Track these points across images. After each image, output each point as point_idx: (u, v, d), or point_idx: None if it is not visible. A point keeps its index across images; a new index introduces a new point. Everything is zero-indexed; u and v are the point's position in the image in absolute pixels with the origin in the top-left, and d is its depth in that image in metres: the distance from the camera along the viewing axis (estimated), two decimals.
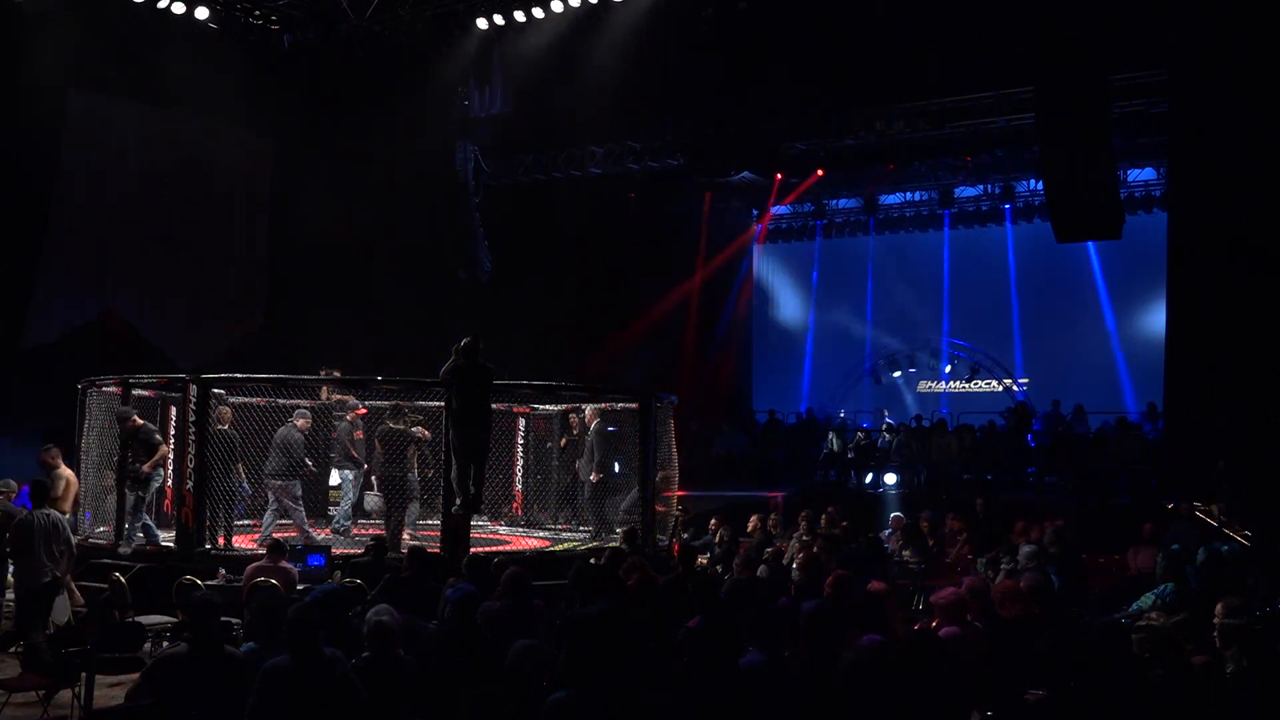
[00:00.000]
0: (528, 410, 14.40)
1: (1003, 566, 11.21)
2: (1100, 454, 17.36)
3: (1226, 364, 14.49)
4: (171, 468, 11.61)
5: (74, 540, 9.75)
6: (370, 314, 19.34)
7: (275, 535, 10.68)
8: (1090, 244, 20.31)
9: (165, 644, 8.65)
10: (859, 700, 5.17)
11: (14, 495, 10.58)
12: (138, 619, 8.94)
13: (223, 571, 10.15)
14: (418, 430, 12.25)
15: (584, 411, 13.50)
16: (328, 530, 12.56)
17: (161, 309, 18.58)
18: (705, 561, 12.29)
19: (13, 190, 16.21)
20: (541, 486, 14.57)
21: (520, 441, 14.49)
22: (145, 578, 10.02)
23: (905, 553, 13.17)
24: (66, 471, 11.11)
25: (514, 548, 12.36)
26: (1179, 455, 15.23)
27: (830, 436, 20.37)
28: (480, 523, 12.95)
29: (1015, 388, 22.33)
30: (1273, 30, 14.44)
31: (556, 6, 17.52)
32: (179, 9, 17.03)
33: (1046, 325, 21.86)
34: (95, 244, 17.79)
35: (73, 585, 10.09)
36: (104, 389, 11.91)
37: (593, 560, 9.56)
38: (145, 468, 10.93)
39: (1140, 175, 20.48)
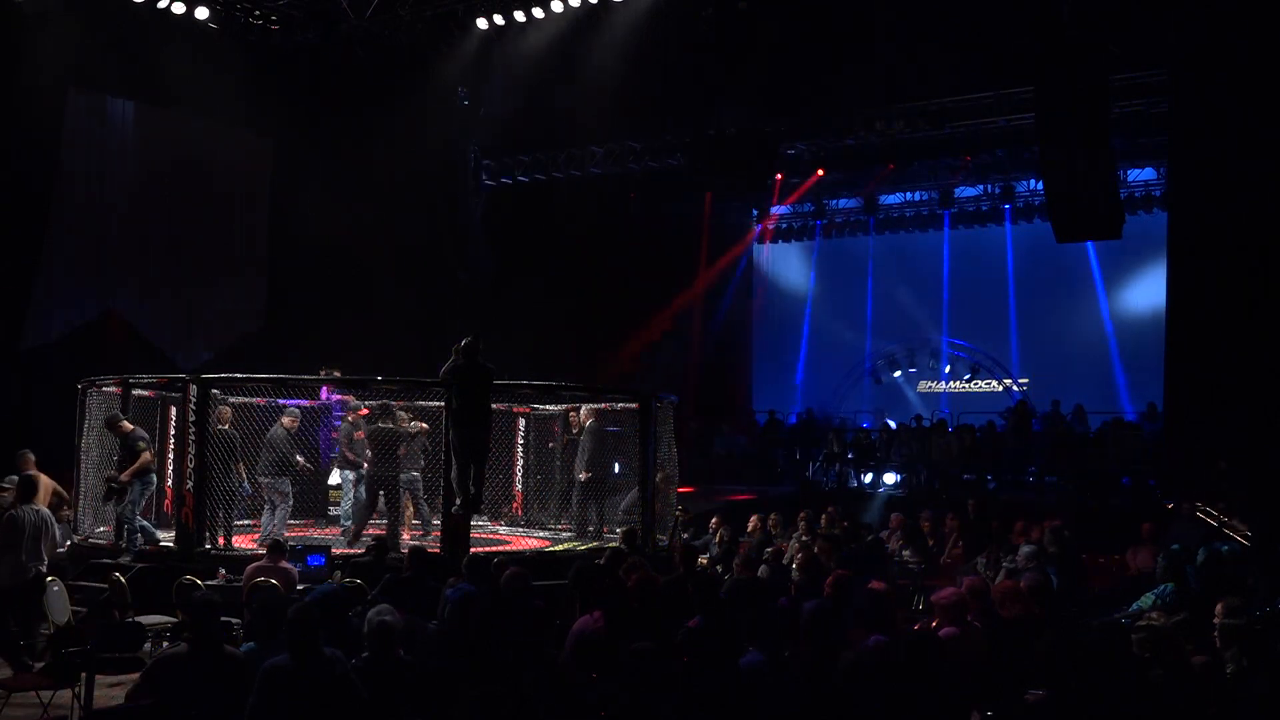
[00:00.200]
0: (528, 410, 14.40)
1: (1004, 565, 11.20)
2: (1100, 454, 17.36)
3: (1226, 364, 14.49)
4: (171, 468, 11.65)
5: (62, 539, 9.74)
6: (370, 314, 19.33)
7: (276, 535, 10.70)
8: (1090, 244, 20.31)
9: (165, 644, 8.65)
10: (859, 700, 5.17)
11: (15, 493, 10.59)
12: (138, 619, 8.94)
13: (223, 571, 10.15)
14: (415, 425, 12.27)
15: (581, 411, 13.50)
16: (337, 530, 12.58)
17: (161, 309, 18.59)
18: (705, 561, 12.29)
19: (13, 190, 16.20)
20: (542, 486, 14.56)
21: (520, 441, 14.49)
22: (145, 578, 10.02)
23: (905, 553, 13.18)
24: (40, 475, 11.10)
25: (514, 548, 12.35)
26: (1179, 455, 15.23)
27: (830, 437, 20.38)
28: (480, 523, 12.95)
29: (1015, 388, 22.33)
30: (1273, 30, 14.44)
31: (556, 6, 17.51)
32: (179, 9, 17.03)
33: (1046, 325, 21.86)
34: (95, 244, 17.79)
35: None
36: (104, 389, 11.91)
37: (598, 561, 9.55)
38: (123, 476, 10.90)
39: (1140, 175, 20.48)
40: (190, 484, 10.71)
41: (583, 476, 13.02)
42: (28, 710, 7.86)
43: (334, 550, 10.65)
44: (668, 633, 6.06)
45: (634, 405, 12.78)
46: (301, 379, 12.31)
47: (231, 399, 11.72)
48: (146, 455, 10.89)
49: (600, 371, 20.28)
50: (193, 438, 10.74)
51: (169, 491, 11.89)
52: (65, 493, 11.57)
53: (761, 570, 10.14)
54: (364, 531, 12.10)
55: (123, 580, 9.55)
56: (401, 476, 12.27)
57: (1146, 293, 19.73)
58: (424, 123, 19.75)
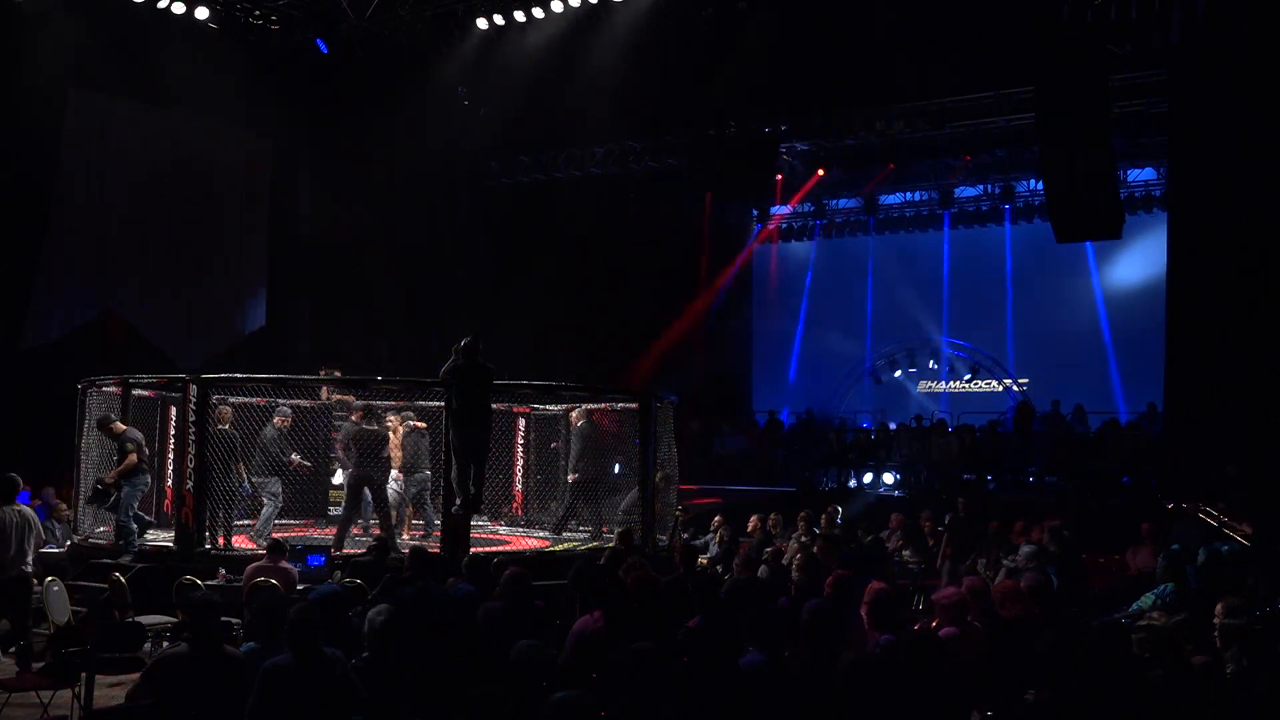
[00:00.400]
0: (528, 410, 14.41)
1: (1004, 565, 11.20)
2: (1100, 454, 17.36)
3: (1226, 364, 14.49)
4: (171, 468, 11.64)
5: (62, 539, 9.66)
6: (370, 314, 19.34)
7: (275, 535, 10.69)
8: (1089, 244, 20.31)
9: (165, 644, 8.65)
10: (859, 700, 5.17)
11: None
12: (138, 619, 8.94)
13: (223, 571, 10.15)
14: (411, 421, 12.29)
15: (573, 412, 13.51)
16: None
17: (161, 309, 18.58)
18: (705, 561, 12.29)
19: (13, 190, 16.20)
20: (542, 486, 14.56)
21: (520, 441, 14.49)
22: (145, 578, 10.02)
23: (905, 553, 13.18)
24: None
25: (514, 548, 12.35)
26: (1179, 455, 15.23)
27: (830, 436, 20.38)
28: (480, 523, 12.95)
29: (1015, 387, 22.33)
30: (1273, 30, 14.44)
31: (556, 6, 17.51)
32: (179, 9, 17.03)
33: (1046, 325, 21.84)
34: (95, 244, 17.80)
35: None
36: (104, 389, 11.91)
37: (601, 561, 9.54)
38: (108, 478, 10.88)
39: (1140, 175, 20.47)
40: (190, 484, 10.71)
41: (571, 478, 13.04)
42: (28, 710, 7.87)
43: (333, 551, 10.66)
44: (668, 633, 6.06)
45: (634, 405, 12.79)
46: (301, 379, 12.32)
47: (231, 399, 11.72)
48: (133, 457, 10.79)
49: (600, 371, 20.25)
50: (193, 438, 10.74)
51: (169, 491, 11.89)
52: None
53: (761, 570, 10.14)
54: (354, 532, 12.13)
55: (123, 580, 9.56)
56: (415, 476, 12.31)
57: (1146, 293, 19.73)
58: (424, 123, 19.77)
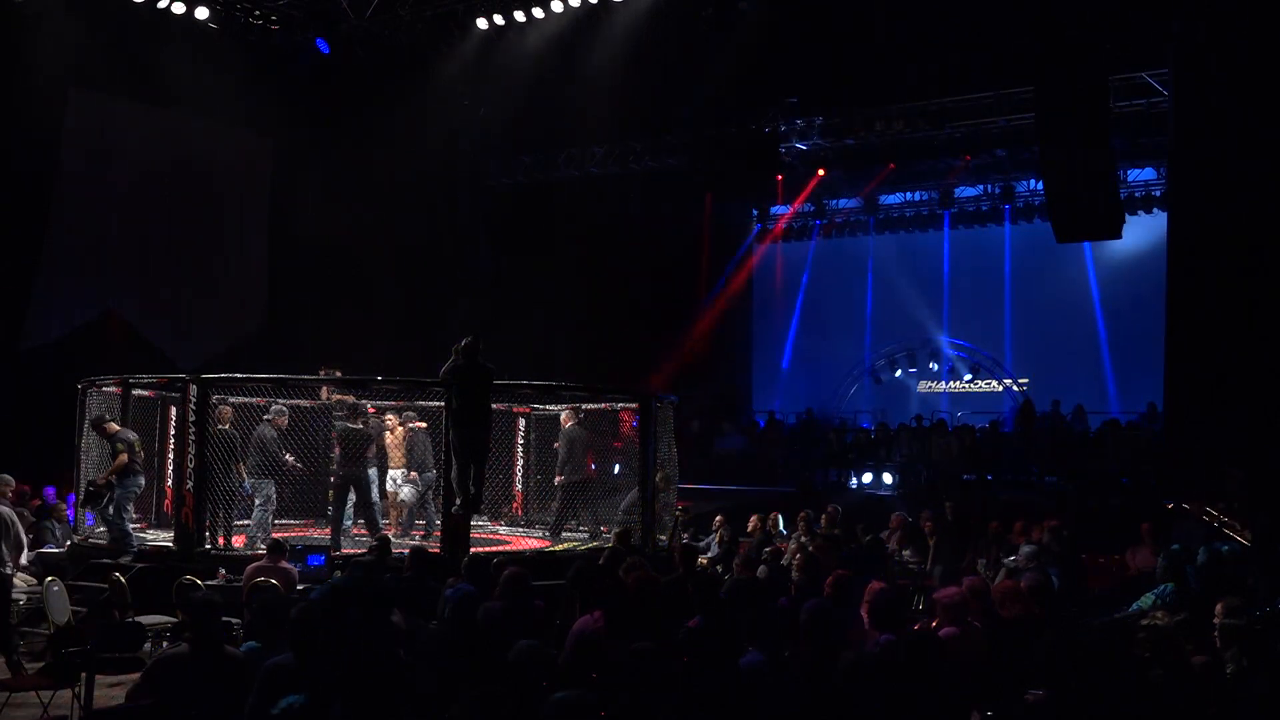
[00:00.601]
0: (528, 410, 14.41)
1: (1004, 565, 11.20)
2: (1100, 454, 17.36)
3: (1226, 364, 14.49)
4: (171, 468, 11.63)
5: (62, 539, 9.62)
6: (370, 314, 19.34)
7: (275, 535, 10.69)
8: (1088, 244, 20.31)
9: (165, 644, 8.65)
10: (859, 700, 5.17)
11: (10, 490, 10.61)
12: (138, 619, 8.94)
13: (223, 571, 10.15)
14: (411, 419, 12.27)
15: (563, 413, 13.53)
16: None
17: (161, 309, 18.58)
18: (705, 561, 12.29)
19: (13, 190, 16.22)
20: (542, 486, 14.56)
21: (520, 441, 14.49)
22: (145, 578, 10.02)
23: (905, 553, 13.17)
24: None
25: (514, 548, 12.36)
26: (1179, 455, 15.22)
27: (830, 437, 20.37)
28: (480, 523, 12.95)
29: (1015, 387, 22.34)
30: (1273, 30, 14.44)
31: (556, 6, 17.52)
32: (179, 9, 17.04)
33: (1046, 325, 21.85)
34: (95, 244, 17.79)
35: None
36: (104, 389, 11.92)
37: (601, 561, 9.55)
38: (99, 479, 10.87)
39: (1140, 175, 20.47)
40: (190, 484, 10.70)
41: (557, 480, 13.09)
42: (28, 710, 7.87)
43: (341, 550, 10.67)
44: (668, 633, 6.05)
45: (634, 405, 12.78)
46: (301, 379, 12.32)
47: (231, 399, 11.72)
48: (123, 458, 10.77)
49: (601, 371, 20.24)
50: (193, 438, 10.74)
51: (169, 491, 11.88)
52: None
53: (761, 570, 10.13)
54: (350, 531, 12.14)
55: (123, 580, 9.55)
56: (424, 476, 12.29)
57: (1146, 293, 19.72)
58: (424, 123, 19.76)
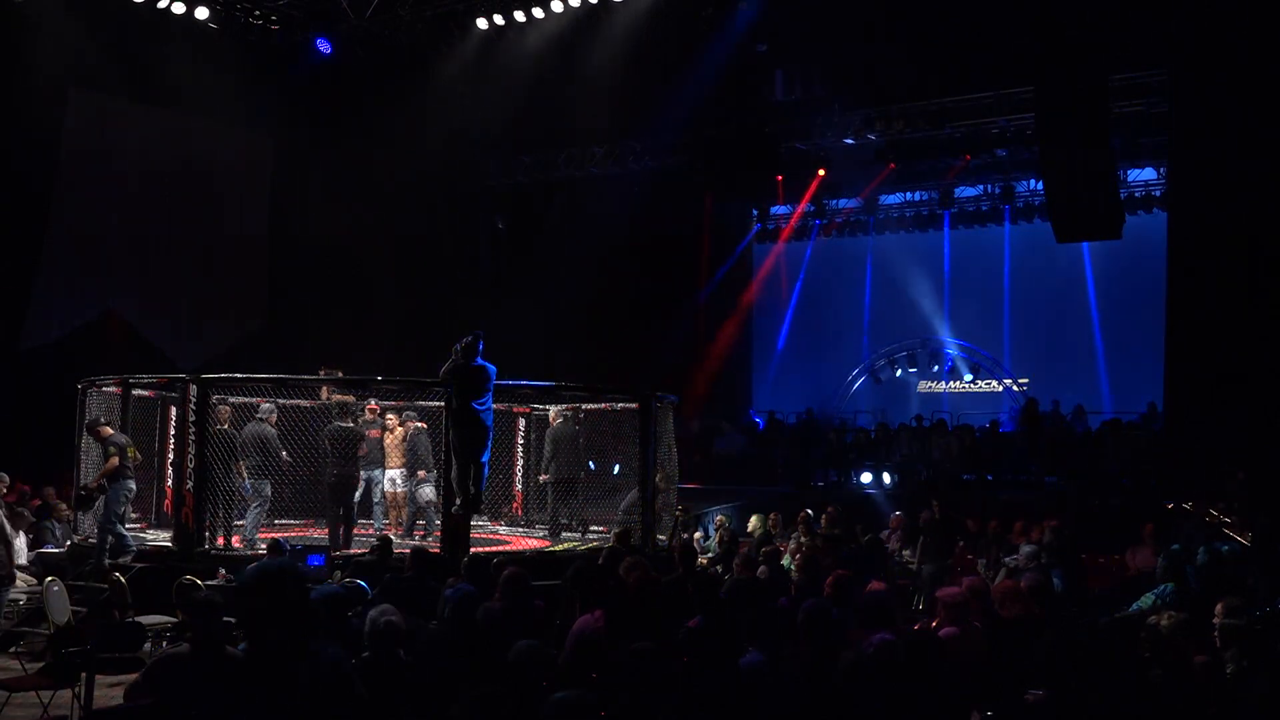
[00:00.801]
0: (528, 410, 14.40)
1: (1004, 565, 11.21)
2: (1100, 454, 17.36)
3: (1226, 364, 14.50)
4: (171, 467, 11.63)
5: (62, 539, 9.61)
6: (370, 314, 19.34)
7: (275, 536, 10.69)
8: (1088, 244, 20.30)
9: (165, 644, 8.65)
10: (859, 700, 5.17)
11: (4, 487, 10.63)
12: (138, 619, 8.94)
13: (223, 571, 10.14)
14: (411, 418, 12.25)
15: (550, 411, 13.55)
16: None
17: (161, 309, 18.59)
18: (705, 561, 12.29)
19: (13, 190, 16.22)
20: (542, 486, 14.55)
21: (520, 441, 14.49)
22: (145, 578, 10.02)
23: (905, 553, 13.17)
24: None
25: (514, 548, 12.35)
26: (1179, 455, 15.23)
27: (830, 437, 20.37)
28: (480, 523, 12.95)
29: (1015, 387, 22.34)
30: (1273, 30, 14.44)
31: (556, 6, 17.52)
32: (179, 9, 17.04)
33: (1046, 325, 21.86)
34: (95, 244, 17.79)
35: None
36: (104, 389, 11.91)
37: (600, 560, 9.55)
38: (90, 483, 10.87)
39: (1140, 175, 20.46)
40: (190, 484, 10.70)
41: (542, 479, 13.13)
42: (28, 710, 7.87)
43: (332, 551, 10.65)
44: (668, 633, 6.06)
45: (634, 405, 12.78)
46: (301, 379, 12.31)
47: (231, 399, 11.71)
48: (114, 461, 10.74)
49: (601, 372, 20.24)
50: (193, 438, 10.73)
51: (169, 491, 11.88)
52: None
53: (761, 570, 10.14)
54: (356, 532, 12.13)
55: (123, 580, 9.55)
56: (427, 476, 12.31)
57: (1146, 293, 19.72)
58: (424, 123, 19.75)
